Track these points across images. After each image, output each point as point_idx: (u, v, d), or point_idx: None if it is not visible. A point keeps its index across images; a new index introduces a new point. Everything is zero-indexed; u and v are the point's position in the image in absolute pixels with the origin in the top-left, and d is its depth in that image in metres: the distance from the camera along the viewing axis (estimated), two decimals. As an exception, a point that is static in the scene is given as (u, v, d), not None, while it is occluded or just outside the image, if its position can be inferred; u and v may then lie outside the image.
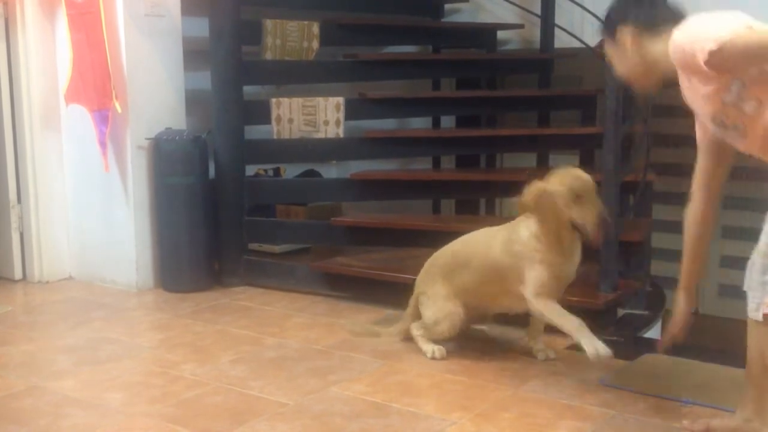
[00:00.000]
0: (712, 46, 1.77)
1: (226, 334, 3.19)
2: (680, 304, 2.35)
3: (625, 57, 2.09)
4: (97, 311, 3.55)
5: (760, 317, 1.95)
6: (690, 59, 1.85)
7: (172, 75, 3.88)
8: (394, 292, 3.45)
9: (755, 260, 1.97)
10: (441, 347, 2.88)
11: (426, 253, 3.04)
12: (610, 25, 2.12)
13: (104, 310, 3.57)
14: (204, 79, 3.86)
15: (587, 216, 2.57)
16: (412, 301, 3.01)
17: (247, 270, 3.91)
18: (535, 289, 2.66)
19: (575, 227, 2.61)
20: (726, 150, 2.13)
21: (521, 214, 2.72)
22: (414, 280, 3.02)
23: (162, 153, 3.75)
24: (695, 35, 1.85)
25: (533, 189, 2.64)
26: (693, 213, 2.26)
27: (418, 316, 2.98)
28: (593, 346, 2.51)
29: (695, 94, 1.97)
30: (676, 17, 1.98)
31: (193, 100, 3.97)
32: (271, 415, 2.41)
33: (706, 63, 1.79)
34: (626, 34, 2.06)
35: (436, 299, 2.89)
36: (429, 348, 2.88)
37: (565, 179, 2.61)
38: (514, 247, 2.70)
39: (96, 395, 2.59)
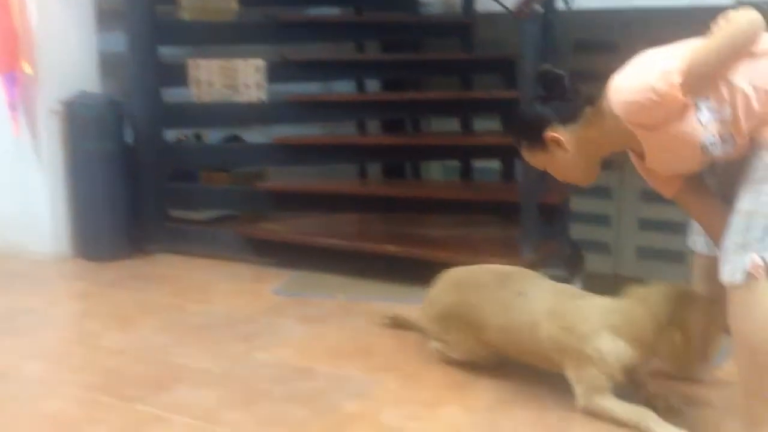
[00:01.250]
0: (676, 77, 1.73)
1: (149, 302, 3.14)
2: None
3: (562, 156, 2.00)
4: (14, 281, 3.44)
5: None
6: (655, 106, 1.77)
7: (84, 36, 3.74)
8: (319, 257, 3.46)
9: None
10: None
11: (352, 219, 3.04)
12: (534, 135, 2.01)
13: (21, 279, 3.47)
14: (120, 41, 3.73)
15: None
16: None
17: (169, 237, 3.85)
18: None
19: None
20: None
21: None
22: (341, 244, 2.95)
23: (76, 117, 3.63)
24: (646, 82, 1.77)
25: None
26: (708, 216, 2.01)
27: None
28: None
29: (667, 142, 1.85)
30: (589, 94, 1.93)
31: (109, 63, 3.84)
32: (195, 381, 2.40)
33: (683, 91, 1.73)
34: (555, 136, 1.98)
35: None
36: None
37: None
38: None
39: (15, 366, 2.53)
